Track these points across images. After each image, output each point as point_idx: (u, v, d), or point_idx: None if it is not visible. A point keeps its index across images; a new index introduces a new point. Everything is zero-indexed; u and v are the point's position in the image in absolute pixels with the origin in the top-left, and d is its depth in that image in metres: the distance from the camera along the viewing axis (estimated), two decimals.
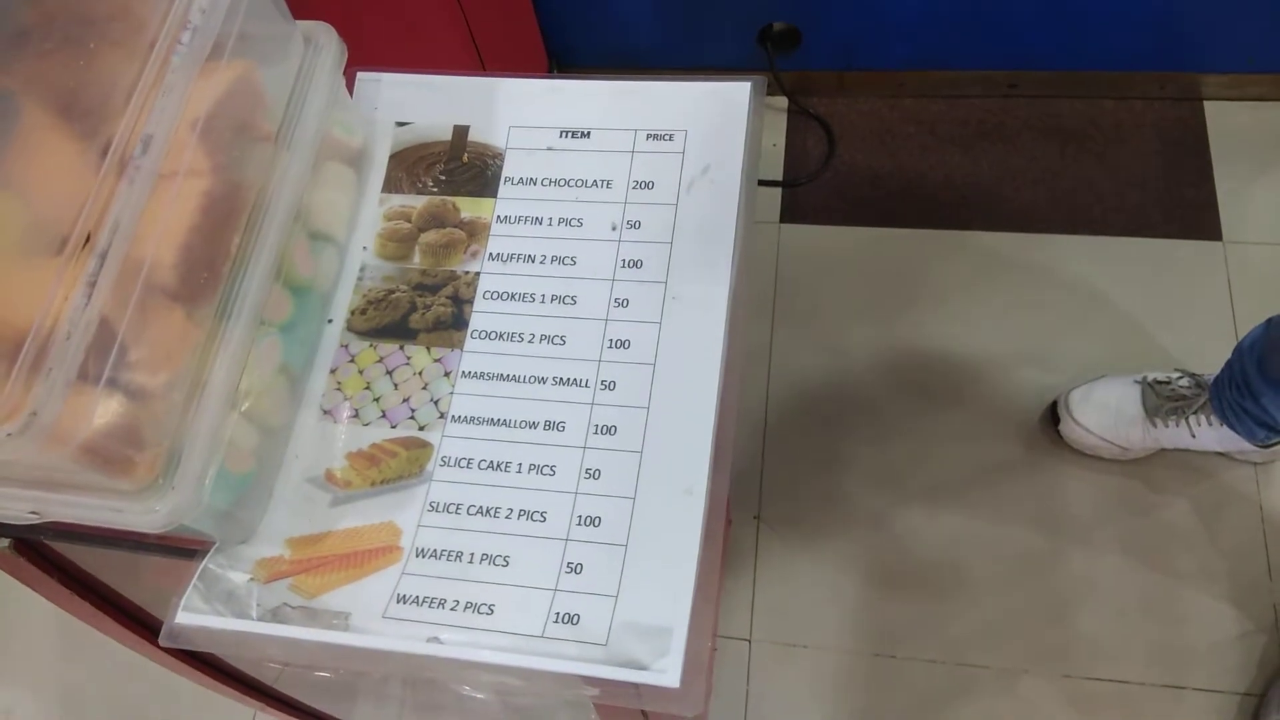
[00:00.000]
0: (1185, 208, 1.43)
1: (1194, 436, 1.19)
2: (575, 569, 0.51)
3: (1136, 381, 1.23)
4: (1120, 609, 1.20)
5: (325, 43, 0.57)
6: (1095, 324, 1.36)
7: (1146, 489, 1.26)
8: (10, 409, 0.37)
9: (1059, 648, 1.18)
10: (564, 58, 1.60)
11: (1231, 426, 1.15)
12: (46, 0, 0.52)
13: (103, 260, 0.40)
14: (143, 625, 0.68)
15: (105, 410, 0.43)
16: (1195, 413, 1.18)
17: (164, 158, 0.44)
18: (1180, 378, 1.21)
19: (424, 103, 0.65)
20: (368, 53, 0.64)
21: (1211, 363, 1.18)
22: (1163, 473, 1.26)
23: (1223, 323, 1.34)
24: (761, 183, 1.52)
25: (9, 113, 0.48)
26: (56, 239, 0.42)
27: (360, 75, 0.66)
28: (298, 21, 0.56)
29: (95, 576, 0.63)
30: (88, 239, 0.41)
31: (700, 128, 0.62)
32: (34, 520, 0.46)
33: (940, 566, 1.24)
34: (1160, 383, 1.21)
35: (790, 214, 1.50)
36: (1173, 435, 1.20)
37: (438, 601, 0.51)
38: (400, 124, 0.65)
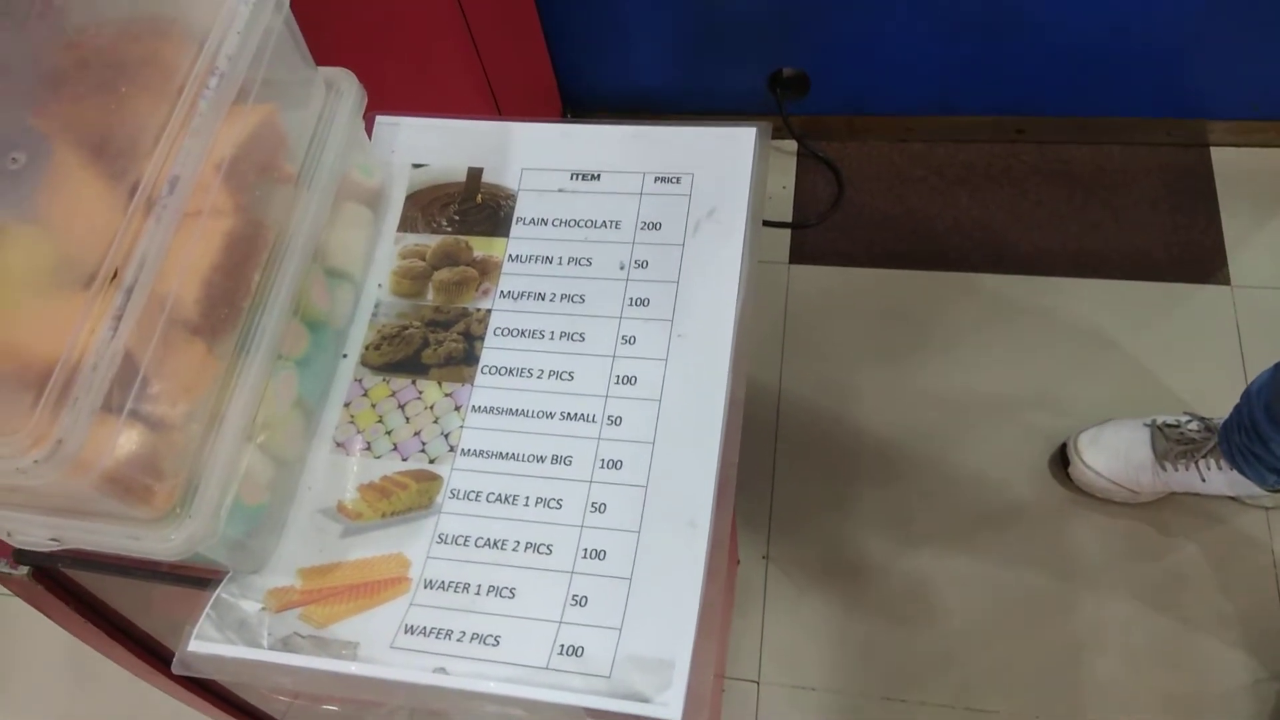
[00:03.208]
0: (1193, 252, 1.44)
1: (1204, 480, 1.19)
2: (580, 601, 0.52)
3: (1146, 425, 1.23)
4: (1131, 654, 1.19)
5: (346, 88, 0.59)
6: (1104, 367, 1.36)
7: (1157, 533, 1.25)
8: (37, 436, 0.39)
9: (1070, 693, 1.17)
10: (578, 102, 1.63)
11: (1241, 471, 1.15)
12: (81, 46, 0.54)
13: (129, 295, 0.42)
14: (154, 655, 0.69)
15: (127, 440, 0.44)
16: (1205, 456, 1.18)
17: (189, 197, 0.46)
18: (1189, 421, 1.21)
19: (440, 145, 0.67)
20: (387, 97, 0.66)
21: (1221, 406, 1.18)
22: (1173, 517, 1.26)
23: (1232, 366, 1.34)
24: (771, 224, 1.54)
25: (41, 153, 0.50)
26: (85, 274, 0.43)
27: (379, 119, 0.68)
28: (320, 68, 0.59)
29: (109, 605, 0.65)
30: (115, 274, 0.42)
31: (707, 171, 0.64)
32: (54, 547, 0.48)
33: (950, 610, 1.23)
34: (1169, 426, 1.21)
35: (799, 255, 1.52)
36: (1182, 479, 1.20)
37: (444, 632, 0.52)
38: (416, 166, 0.67)
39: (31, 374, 0.40)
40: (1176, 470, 1.19)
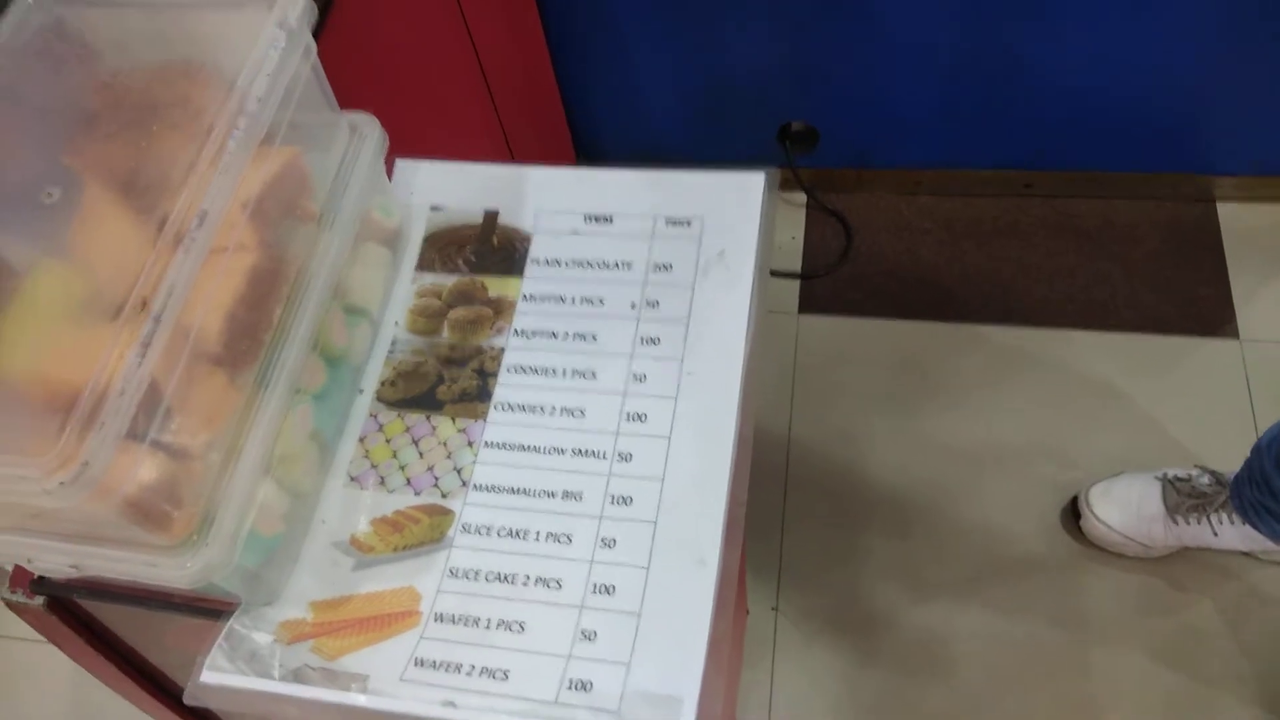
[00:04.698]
0: (1201, 306, 1.45)
1: (1216, 535, 1.18)
2: (589, 636, 0.52)
3: (1157, 478, 1.23)
4: (1144, 711, 1.17)
5: (369, 132, 0.61)
6: (1113, 419, 1.36)
7: (1170, 588, 1.24)
8: (64, 459, 0.40)
9: None
10: (591, 152, 1.67)
11: (1254, 525, 1.14)
12: (115, 88, 0.56)
13: (156, 324, 0.43)
14: (163, 690, 0.69)
15: (148, 467, 0.45)
16: (1216, 510, 1.17)
17: (217, 233, 0.47)
18: (1200, 475, 1.21)
19: (458, 188, 0.69)
20: (407, 141, 0.68)
21: (1231, 460, 1.18)
22: (1187, 572, 1.24)
23: (1242, 420, 1.34)
24: (780, 274, 1.55)
25: (74, 189, 0.52)
26: (114, 304, 0.45)
27: (399, 162, 0.70)
28: (344, 112, 0.61)
29: (121, 639, 0.65)
30: (143, 304, 0.44)
31: (717, 214, 0.65)
32: (72, 574, 0.48)
33: (961, 665, 1.22)
34: (1180, 480, 1.21)
35: (808, 305, 1.53)
36: (1195, 533, 1.19)
37: (454, 666, 0.52)
38: (434, 208, 0.69)
39: (60, 400, 0.42)
40: (1189, 524, 1.19)
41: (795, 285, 1.55)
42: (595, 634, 0.52)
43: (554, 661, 0.52)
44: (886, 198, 1.62)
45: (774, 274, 1.55)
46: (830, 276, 1.55)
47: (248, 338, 0.52)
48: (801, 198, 1.63)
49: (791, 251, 1.59)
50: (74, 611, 0.61)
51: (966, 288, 1.51)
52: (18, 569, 0.58)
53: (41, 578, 0.58)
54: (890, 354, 1.47)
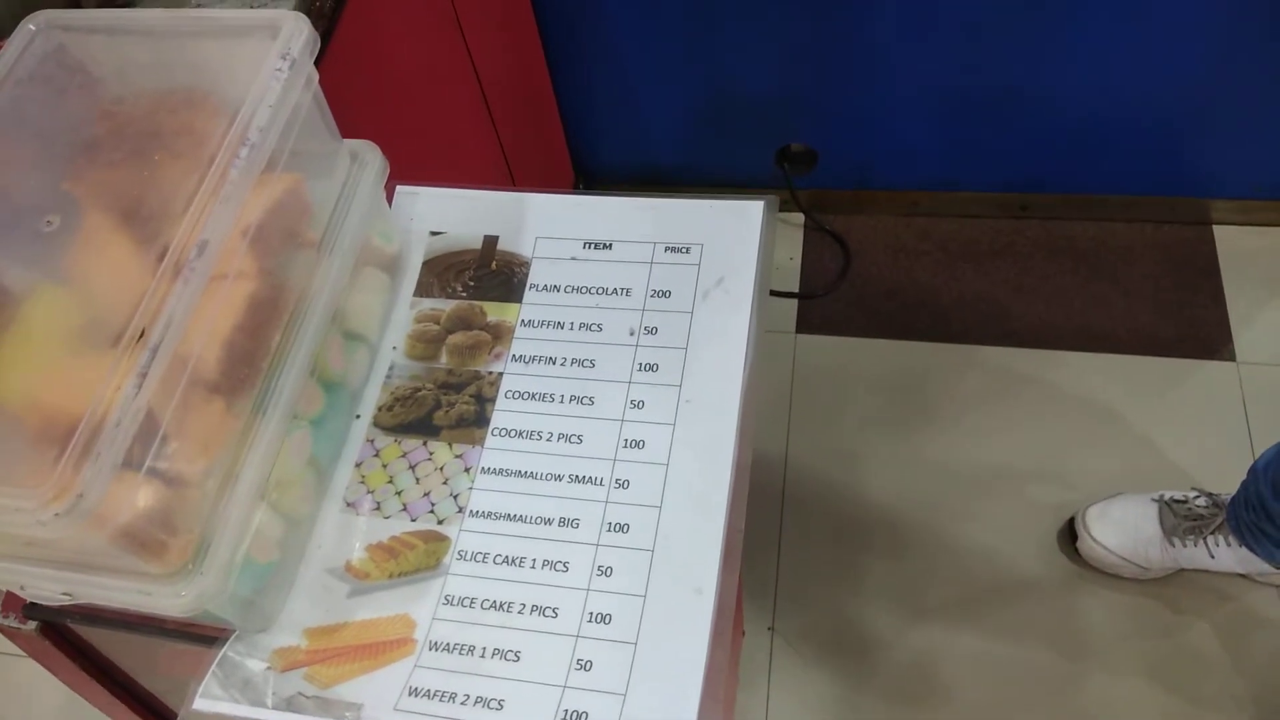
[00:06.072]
0: (1198, 328, 1.45)
1: (1213, 557, 1.18)
2: (585, 666, 0.52)
3: (1154, 500, 1.23)
4: None
5: (369, 159, 0.61)
6: (1110, 441, 1.36)
7: (1167, 610, 1.24)
8: (59, 490, 0.40)
9: None
10: (591, 174, 1.67)
11: (1250, 548, 1.14)
12: (117, 115, 0.56)
13: (154, 354, 0.43)
14: (157, 716, 0.68)
15: (144, 496, 0.45)
16: (1213, 533, 1.17)
17: (217, 261, 0.47)
18: (1197, 497, 1.21)
19: (457, 214, 0.70)
20: (407, 167, 0.68)
21: (1228, 482, 1.18)
22: (1184, 594, 1.24)
23: (1238, 442, 1.34)
24: (778, 294, 1.56)
25: (73, 216, 0.52)
26: (112, 333, 0.45)
27: (399, 188, 0.70)
28: (345, 140, 0.61)
29: (114, 663, 0.65)
30: (141, 334, 0.44)
31: (716, 242, 0.65)
32: (66, 602, 0.48)
33: (957, 686, 1.21)
34: (1177, 502, 1.21)
35: (806, 325, 1.54)
36: (1191, 555, 1.19)
37: (449, 695, 0.52)
38: (434, 233, 0.69)
39: (56, 429, 0.42)
40: (1185, 546, 1.19)
41: (793, 305, 1.56)
42: (591, 663, 0.52)
43: (549, 691, 0.51)
44: (884, 219, 1.63)
45: (772, 294, 1.55)
46: (828, 297, 1.56)
47: (246, 365, 0.52)
48: (800, 218, 1.64)
49: (790, 272, 1.59)
50: (67, 636, 0.61)
51: (963, 309, 1.52)
52: (10, 593, 0.58)
53: (34, 603, 0.58)
54: (887, 374, 1.47)
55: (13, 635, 0.59)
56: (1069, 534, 1.28)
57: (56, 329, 0.48)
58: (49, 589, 0.48)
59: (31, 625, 0.58)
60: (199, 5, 0.81)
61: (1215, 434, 1.35)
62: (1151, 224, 1.56)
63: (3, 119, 0.54)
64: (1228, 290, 1.48)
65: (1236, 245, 1.52)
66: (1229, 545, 1.16)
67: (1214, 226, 1.55)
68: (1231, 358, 1.42)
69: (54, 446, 0.41)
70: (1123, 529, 1.22)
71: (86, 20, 0.58)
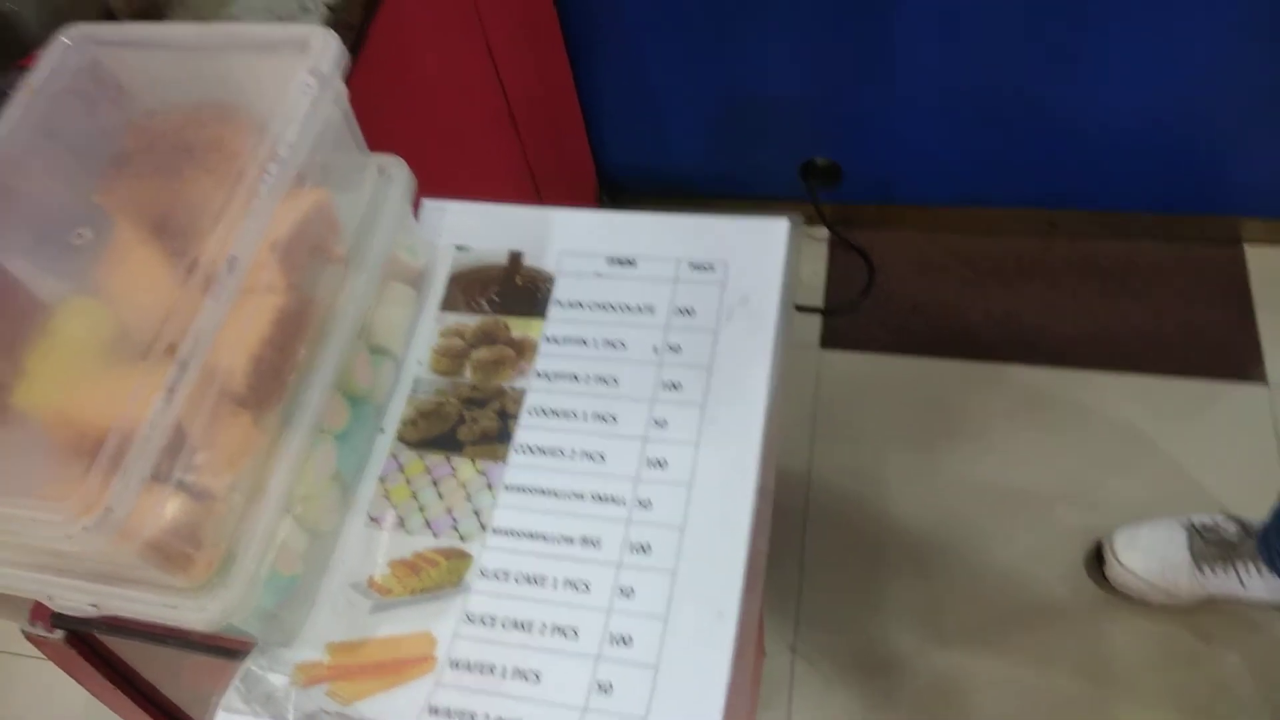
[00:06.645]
0: (1228, 350, 1.43)
1: (1243, 585, 1.16)
2: (605, 688, 0.52)
3: (1183, 525, 1.21)
4: None
5: (397, 174, 0.62)
6: (1138, 463, 1.34)
7: (1197, 640, 1.21)
8: (88, 504, 0.40)
9: None
10: (615, 185, 1.67)
11: None
12: (149, 129, 0.57)
13: (183, 368, 0.43)
14: None
15: (171, 509, 0.45)
16: (1243, 559, 1.15)
17: (246, 276, 0.48)
18: (1227, 522, 1.19)
19: (483, 229, 0.70)
20: (434, 180, 0.68)
21: (1259, 507, 1.16)
22: (1214, 623, 1.22)
23: (1270, 466, 1.32)
24: (803, 309, 1.55)
25: (104, 229, 0.53)
26: (141, 346, 0.45)
27: (426, 203, 0.71)
28: (372, 154, 0.61)
29: (139, 674, 0.65)
30: (171, 349, 0.44)
31: (740, 260, 0.65)
32: (92, 613, 0.48)
33: (980, 711, 1.20)
34: (1206, 527, 1.19)
35: (831, 340, 1.53)
36: (1221, 583, 1.17)
37: (468, 715, 0.52)
38: (460, 248, 0.69)
39: (86, 442, 0.42)
40: (1215, 574, 1.17)
41: (817, 320, 1.55)
42: (611, 686, 0.52)
43: (569, 713, 0.51)
44: (909, 234, 1.62)
45: (797, 309, 1.54)
46: (853, 312, 1.55)
47: (273, 379, 0.52)
48: (824, 233, 1.63)
49: (814, 287, 1.58)
50: (92, 645, 0.61)
51: (990, 326, 1.51)
52: (38, 602, 0.58)
53: (61, 613, 0.58)
54: (912, 392, 1.46)
55: (40, 643, 0.60)
56: (1096, 558, 1.26)
57: (86, 341, 0.48)
58: (76, 600, 0.48)
59: (58, 634, 0.59)
60: (231, 19, 0.81)
61: (1245, 457, 1.33)
62: (1181, 243, 1.54)
63: (36, 131, 0.55)
64: (1259, 312, 1.46)
65: (1268, 265, 1.50)
66: (1259, 574, 1.14)
67: (1245, 246, 1.52)
68: (1263, 380, 1.39)
69: (83, 459, 0.41)
70: (1151, 554, 1.21)
71: (120, 34, 0.59)
